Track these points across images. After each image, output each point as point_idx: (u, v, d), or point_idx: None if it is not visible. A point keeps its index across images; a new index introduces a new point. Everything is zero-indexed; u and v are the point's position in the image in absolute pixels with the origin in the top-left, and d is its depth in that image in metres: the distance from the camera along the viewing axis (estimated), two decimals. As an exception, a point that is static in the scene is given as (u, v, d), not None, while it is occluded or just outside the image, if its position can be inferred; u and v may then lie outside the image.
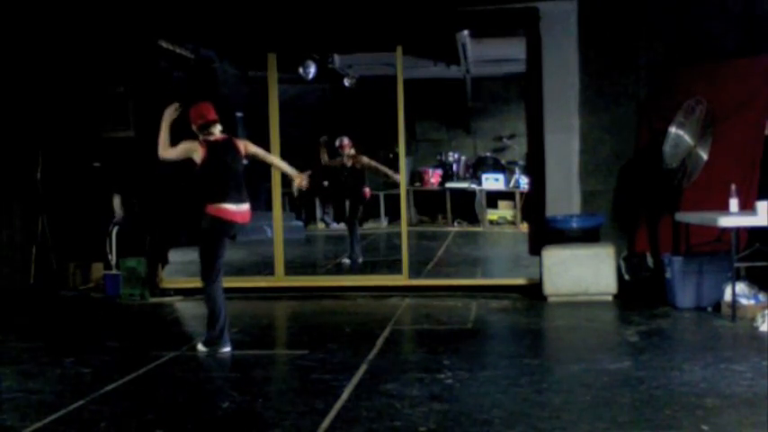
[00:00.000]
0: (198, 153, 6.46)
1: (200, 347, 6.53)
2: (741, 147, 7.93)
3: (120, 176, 9.69)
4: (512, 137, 16.14)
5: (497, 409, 4.86)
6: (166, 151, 6.55)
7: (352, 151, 11.38)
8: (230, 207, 6.42)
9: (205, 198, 6.46)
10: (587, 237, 8.58)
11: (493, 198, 15.59)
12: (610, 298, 8.27)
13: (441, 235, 14.40)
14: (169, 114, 6.62)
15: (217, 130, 6.57)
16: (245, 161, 6.71)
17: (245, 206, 6.53)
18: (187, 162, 6.59)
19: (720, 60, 8.35)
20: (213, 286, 6.48)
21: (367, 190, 11.52)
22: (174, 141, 6.57)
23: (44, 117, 9.74)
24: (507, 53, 12.91)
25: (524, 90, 9.60)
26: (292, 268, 9.91)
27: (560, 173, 8.96)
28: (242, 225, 6.58)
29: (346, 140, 11.37)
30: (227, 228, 6.48)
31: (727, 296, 7.32)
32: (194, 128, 6.58)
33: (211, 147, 6.50)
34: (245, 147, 6.68)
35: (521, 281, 9.02)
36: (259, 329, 7.73)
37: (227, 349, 6.47)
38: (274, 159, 7.35)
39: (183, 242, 10.66)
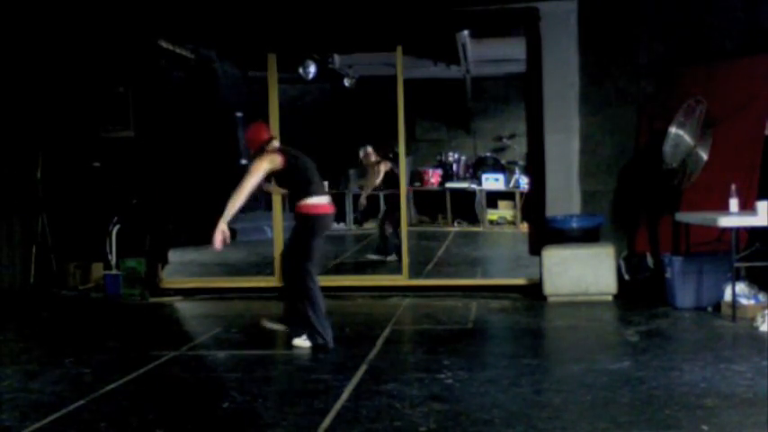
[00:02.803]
0: (276, 161, 6.51)
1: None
2: (741, 147, 7.93)
3: (120, 176, 9.69)
4: (512, 137, 16.14)
5: (497, 409, 4.86)
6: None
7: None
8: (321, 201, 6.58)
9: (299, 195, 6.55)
10: (587, 237, 8.58)
11: (493, 198, 15.58)
12: (610, 298, 8.27)
13: (441, 235, 14.39)
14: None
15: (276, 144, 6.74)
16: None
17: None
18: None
19: (720, 60, 8.36)
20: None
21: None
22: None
23: (44, 117, 9.74)
24: (507, 53, 12.91)
25: (524, 90, 9.60)
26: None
27: (560, 173, 8.96)
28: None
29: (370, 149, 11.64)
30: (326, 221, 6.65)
31: (727, 296, 7.32)
32: (253, 151, 6.65)
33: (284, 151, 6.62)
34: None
35: (521, 281, 9.01)
36: (259, 329, 7.71)
37: None
38: None
39: (182, 242, 10.68)
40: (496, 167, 15.87)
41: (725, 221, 7.19)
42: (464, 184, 15.77)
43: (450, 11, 9.13)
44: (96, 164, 9.81)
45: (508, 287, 8.95)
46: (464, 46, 12.76)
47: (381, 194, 12.08)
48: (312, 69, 13.61)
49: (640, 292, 8.42)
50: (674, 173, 8.06)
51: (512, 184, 15.52)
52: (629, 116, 8.92)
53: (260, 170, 6.44)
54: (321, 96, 16.45)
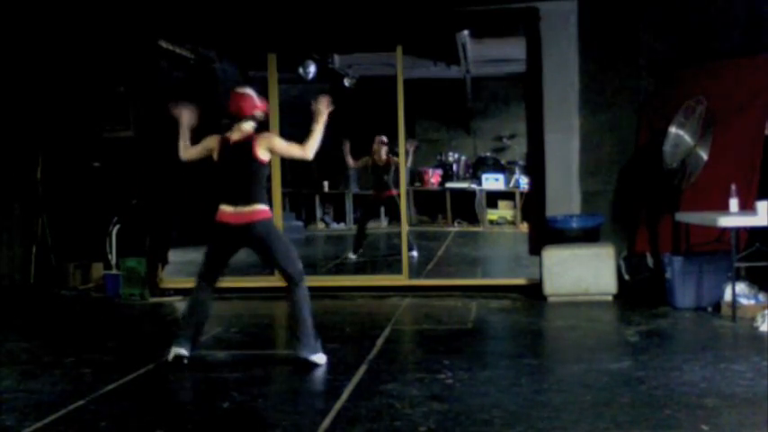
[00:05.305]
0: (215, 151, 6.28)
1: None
2: (741, 147, 7.93)
3: (120, 176, 9.69)
4: (512, 137, 16.14)
5: (497, 409, 4.86)
6: (186, 152, 6.53)
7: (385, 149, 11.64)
8: (226, 208, 6.12)
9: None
10: (587, 237, 8.59)
11: (493, 198, 15.59)
12: (610, 298, 8.27)
13: (441, 235, 14.39)
14: (187, 120, 6.54)
15: (242, 126, 6.31)
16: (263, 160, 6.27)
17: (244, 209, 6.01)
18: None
19: (721, 60, 8.35)
20: (195, 288, 6.21)
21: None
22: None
23: (44, 117, 9.74)
24: (507, 53, 12.91)
25: (524, 90, 9.61)
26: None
27: (560, 173, 8.96)
28: (237, 228, 6.02)
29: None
30: (220, 230, 6.10)
31: (727, 296, 7.32)
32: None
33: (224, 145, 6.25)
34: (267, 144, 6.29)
35: (521, 281, 9.01)
36: (259, 329, 7.73)
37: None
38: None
39: (181, 242, 10.67)
40: (496, 167, 15.88)
41: (725, 221, 7.19)
42: (464, 184, 15.78)
43: (450, 11, 9.13)
44: (96, 164, 9.81)
45: (508, 287, 8.94)
46: (464, 46, 12.76)
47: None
48: (312, 69, 13.60)
49: (640, 292, 8.42)
50: (674, 173, 8.06)
51: (512, 184, 15.52)
52: (629, 116, 8.92)
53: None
54: (321, 96, 16.44)
